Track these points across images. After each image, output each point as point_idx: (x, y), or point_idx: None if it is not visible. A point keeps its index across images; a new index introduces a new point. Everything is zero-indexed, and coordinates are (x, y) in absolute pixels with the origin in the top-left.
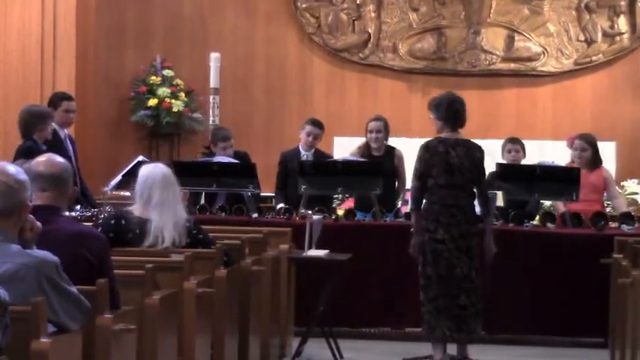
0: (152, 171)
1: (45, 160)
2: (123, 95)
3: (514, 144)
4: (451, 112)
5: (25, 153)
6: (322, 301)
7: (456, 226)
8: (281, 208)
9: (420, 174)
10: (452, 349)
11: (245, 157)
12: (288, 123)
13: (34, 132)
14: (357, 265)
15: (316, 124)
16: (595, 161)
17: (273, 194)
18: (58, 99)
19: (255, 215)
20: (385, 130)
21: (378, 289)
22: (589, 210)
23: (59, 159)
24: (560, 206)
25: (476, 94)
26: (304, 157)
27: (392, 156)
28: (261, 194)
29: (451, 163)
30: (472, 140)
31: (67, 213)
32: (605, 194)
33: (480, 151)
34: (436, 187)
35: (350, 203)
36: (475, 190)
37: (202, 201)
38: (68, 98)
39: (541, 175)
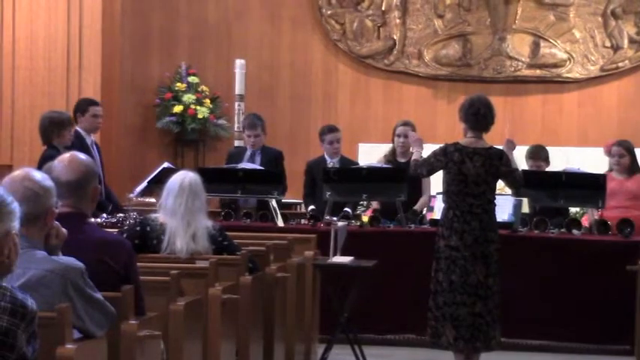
0: (174, 178)
1: (63, 165)
2: (148, 102)
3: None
4: (471, 114)
5: (49, 160)
6: (347, 307)
7: (470, 233)
8: (312, 211)
9: (429, 164)
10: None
11: (278, 159)
12: (313, 129)
13: (52, 138)
14: (382, 272)
15: (332, 129)
16: (633, 167)
17: (300, 201)
18: (85, 104)
19: (280, 222)
20: None
21: (403, 295)
22: (625, 217)
23: (77, 162)
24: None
25: (501, 100)
26: (330, 165)
27: None
28: (284, 201)
29: (464, 173)
30: (495, 147)
31: (92, 219)
32: None
33: (499, 158)
34: (450, 194)
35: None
36: (490, 196)
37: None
38: (95, 103)
39: (567, 182)
